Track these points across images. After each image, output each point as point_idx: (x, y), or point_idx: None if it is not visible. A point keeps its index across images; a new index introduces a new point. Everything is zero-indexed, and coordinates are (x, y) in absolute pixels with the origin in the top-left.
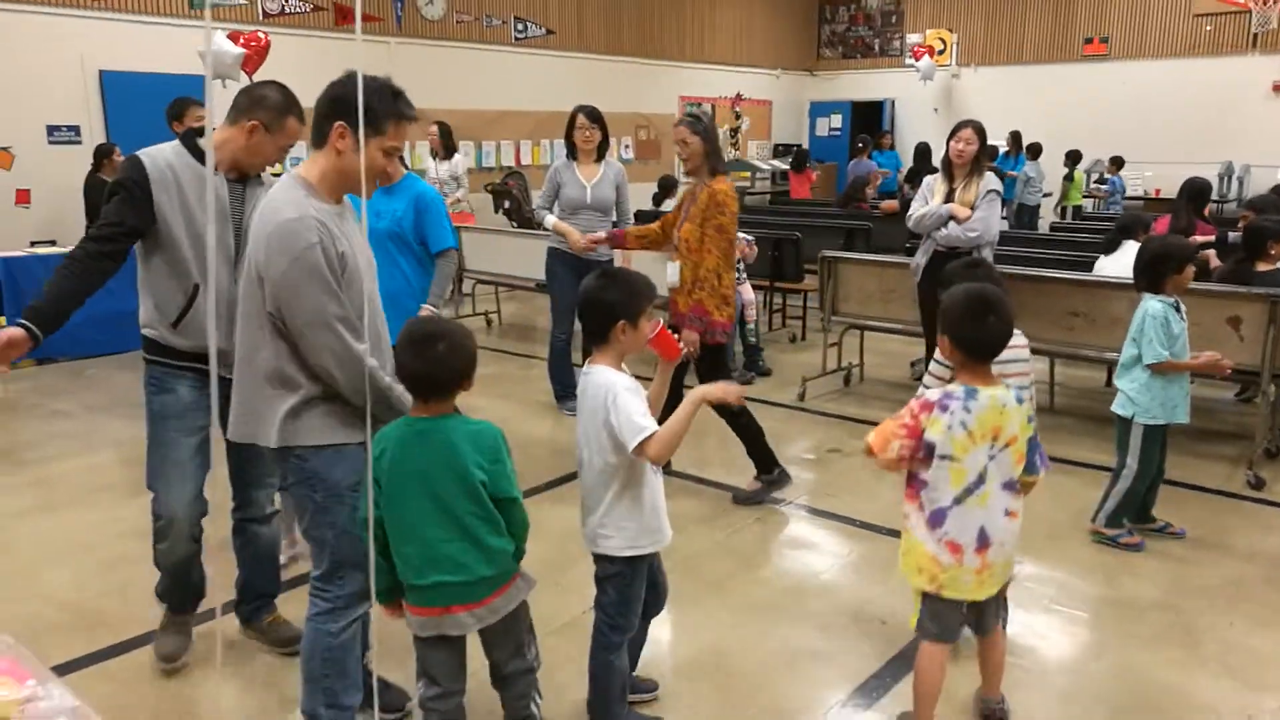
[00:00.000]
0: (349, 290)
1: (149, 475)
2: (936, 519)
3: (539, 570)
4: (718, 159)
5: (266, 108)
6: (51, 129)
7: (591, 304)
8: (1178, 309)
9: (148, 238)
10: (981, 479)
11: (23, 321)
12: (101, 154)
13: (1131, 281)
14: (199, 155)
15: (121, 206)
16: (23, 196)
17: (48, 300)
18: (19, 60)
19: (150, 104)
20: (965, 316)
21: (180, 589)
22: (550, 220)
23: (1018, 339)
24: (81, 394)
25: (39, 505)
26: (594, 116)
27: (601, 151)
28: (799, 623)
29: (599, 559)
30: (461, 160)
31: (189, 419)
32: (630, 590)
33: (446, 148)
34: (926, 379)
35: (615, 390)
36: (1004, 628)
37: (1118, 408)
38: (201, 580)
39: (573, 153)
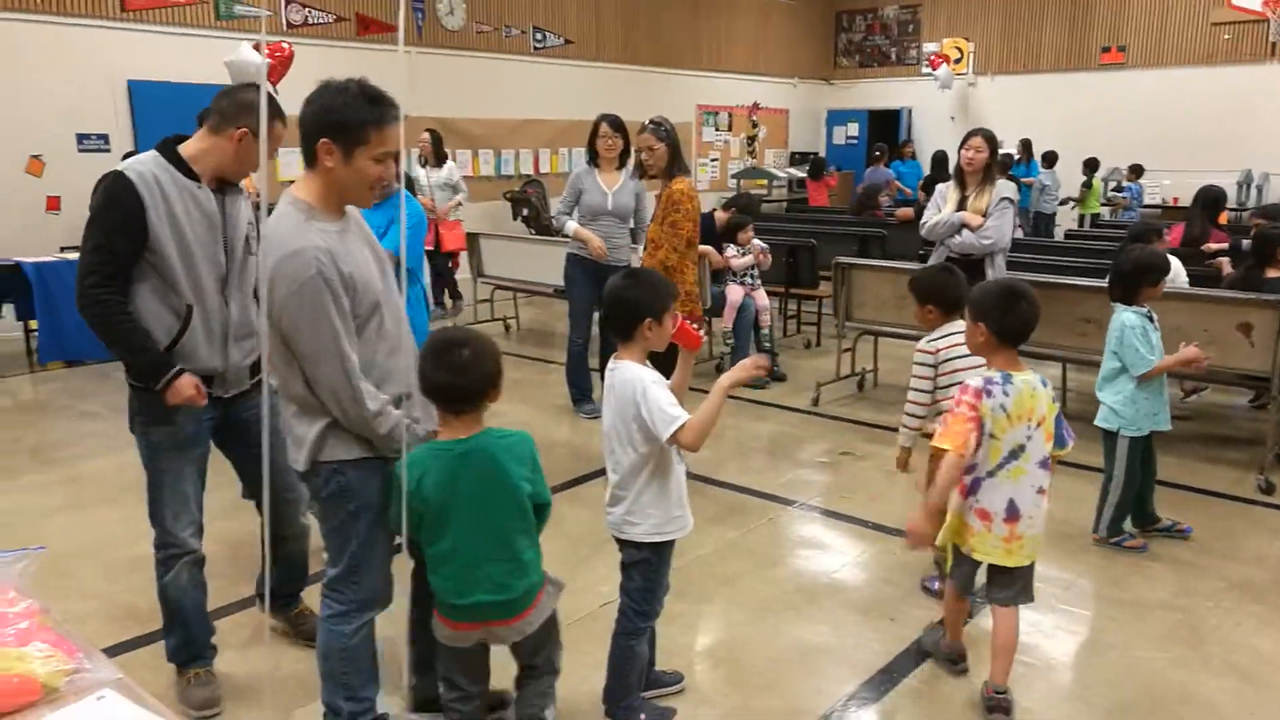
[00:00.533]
0: (359, 307)
1: (152, 508)
2: (971, 489)
3: (555, 569)
4: (679, 163)
5: (255, 114)
6: (81, 137)
7: (618, 302)
8: (1151, 319)
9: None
10: (1014, 455)
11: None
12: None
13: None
14: (180, 165)
15: (110, 232)
16: (53, 203)
17: (148, 351)
18: (50, 70)
19: (177, 113)
20: (1000, 304)
21: (194, 636)
22: (571, 226)
23: (926, 343)
24: (109, 396)
25: (69, 503)
26: (617, 125)
27: (623, 160)
28: (810, 620)
29: (624, 545)
30: (454, 168)
31: (190, 449)
32: (656, 576)
33: (438, 155)
34: (901, 435)
35: (644, 383)
36: (1017, 615)
37: (1101, 421)
38: (210, 624)
39: (594, 160)
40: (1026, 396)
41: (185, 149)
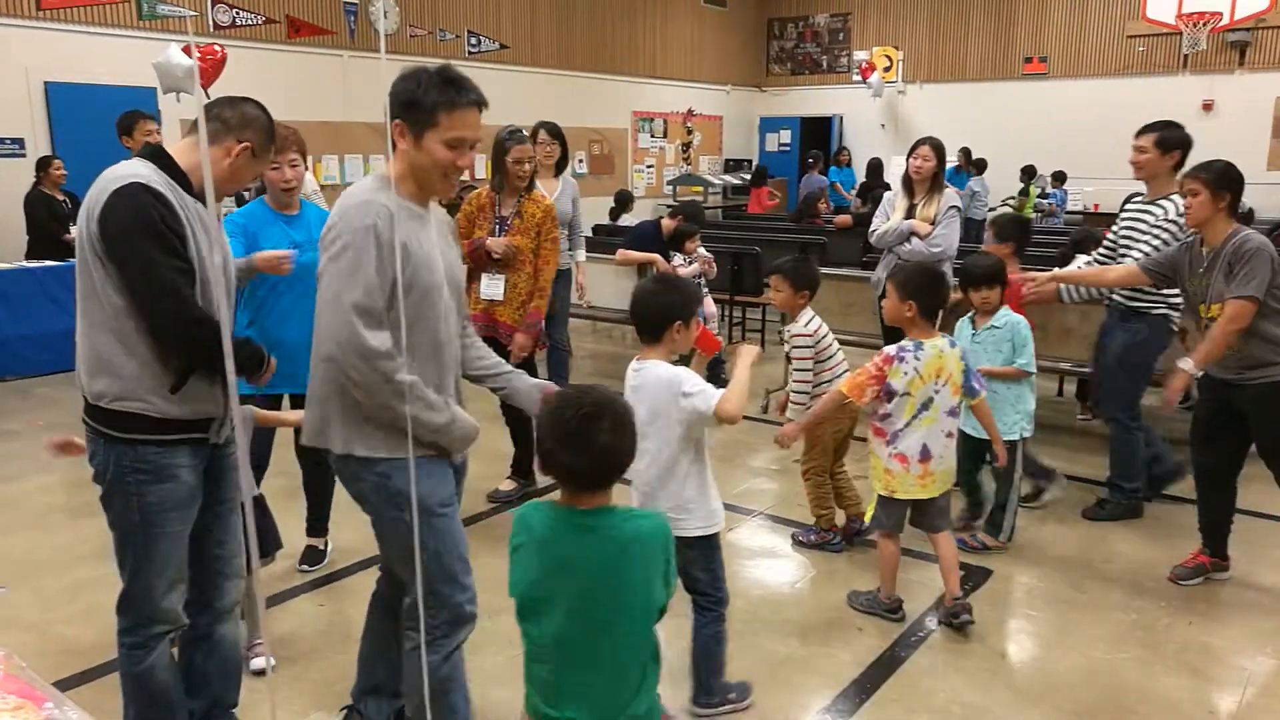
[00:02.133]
0: (412, 292)
1: (136, 583)
2: (892, 440)
3: None
4: (533, 177)
5: (258, 129)
6: None
7: (649, 306)
8: None
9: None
10: (924, 407)
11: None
12: (40, 166)
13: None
14: (177, 177)
15: (164, 248)
16: None
17: (243, 345)
18: None
19: (97, 117)
20: (929, 286)
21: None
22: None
23: (803, 327)
24: (31, 413)
25: None
26: (555, 132)
27: (560, 167)
28: (778, 632)
29: (677, 545)
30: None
31: (193, 506)
32: (716, 564)
33: None
34: (790, 410)
35: (681, 376)
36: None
37: (1016, 433)
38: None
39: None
40: (935, 358)
41: (180, 160)
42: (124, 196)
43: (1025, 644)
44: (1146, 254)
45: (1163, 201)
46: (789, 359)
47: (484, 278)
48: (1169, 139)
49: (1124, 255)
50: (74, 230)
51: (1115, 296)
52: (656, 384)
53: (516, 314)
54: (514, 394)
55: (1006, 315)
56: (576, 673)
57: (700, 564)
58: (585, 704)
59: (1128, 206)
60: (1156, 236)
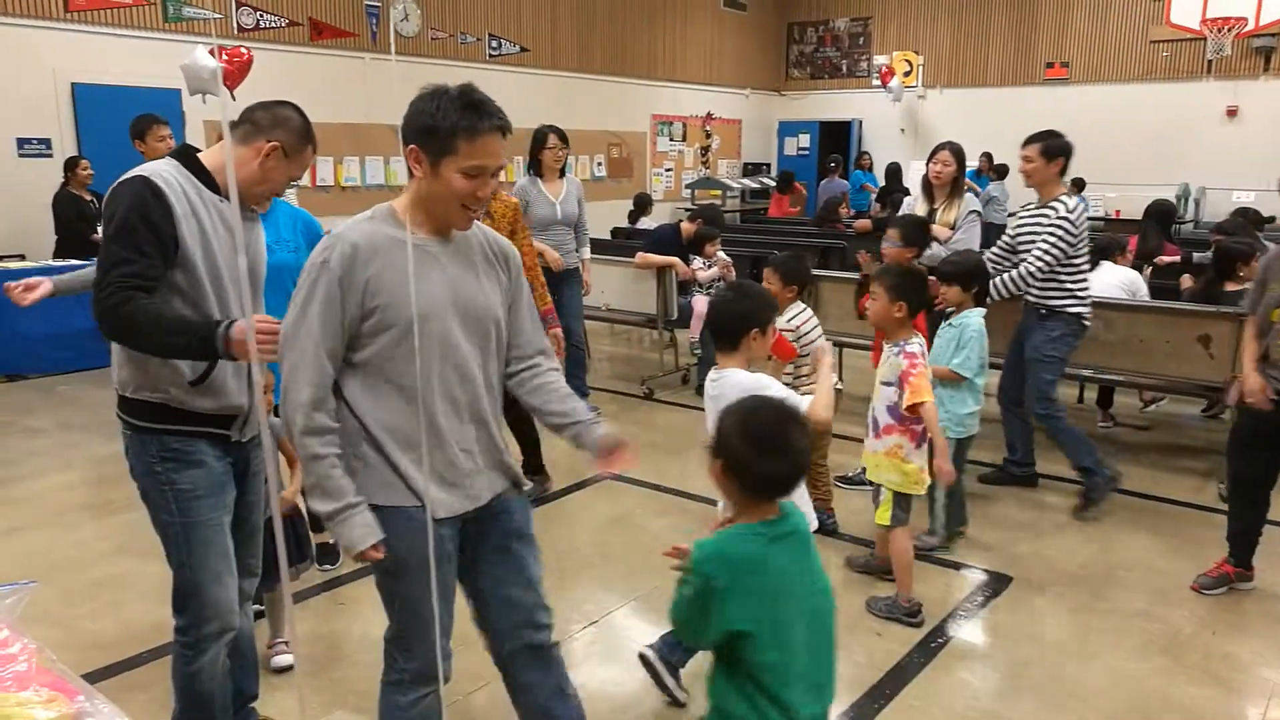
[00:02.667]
0: (383, 333)
1: (185, 577)
2: (919, 441)
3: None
4: None
5: (290, 129)
6: (21, 141)
7: (727, 314)
8: None
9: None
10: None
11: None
12: (68, 167)
13: (1107, 299)
14: (204, 177)
15: (139, 246)
16: None
17: (191, 323)
18: None
19: (123, 117)
20: (919, 290)
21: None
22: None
23: (787, 321)
24: (54, 411)
25: (18, 525)
26: (563, 136)
27: (563, 169)
28: None
29: None
30: None
31: (226, 491)
32: None
33: None
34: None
35: (765, 383)
36: None
37: (959, 432)
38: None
39: (537, 170)
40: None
41: (207, 160)
42: (121, 186)
43: (1046, 652)
44: (1045, 252)
45: (1053, 203)
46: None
47: None
48: (1052, 147)
49: (1022, 258)
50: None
51: (1030, 297)
52: (738, 391)
53: None
54: (579, 444)
55: (964, 316)
56: (825, 666)
57: None
58: (824, 692)
59: (1021, 214)
60: (1052, 233)
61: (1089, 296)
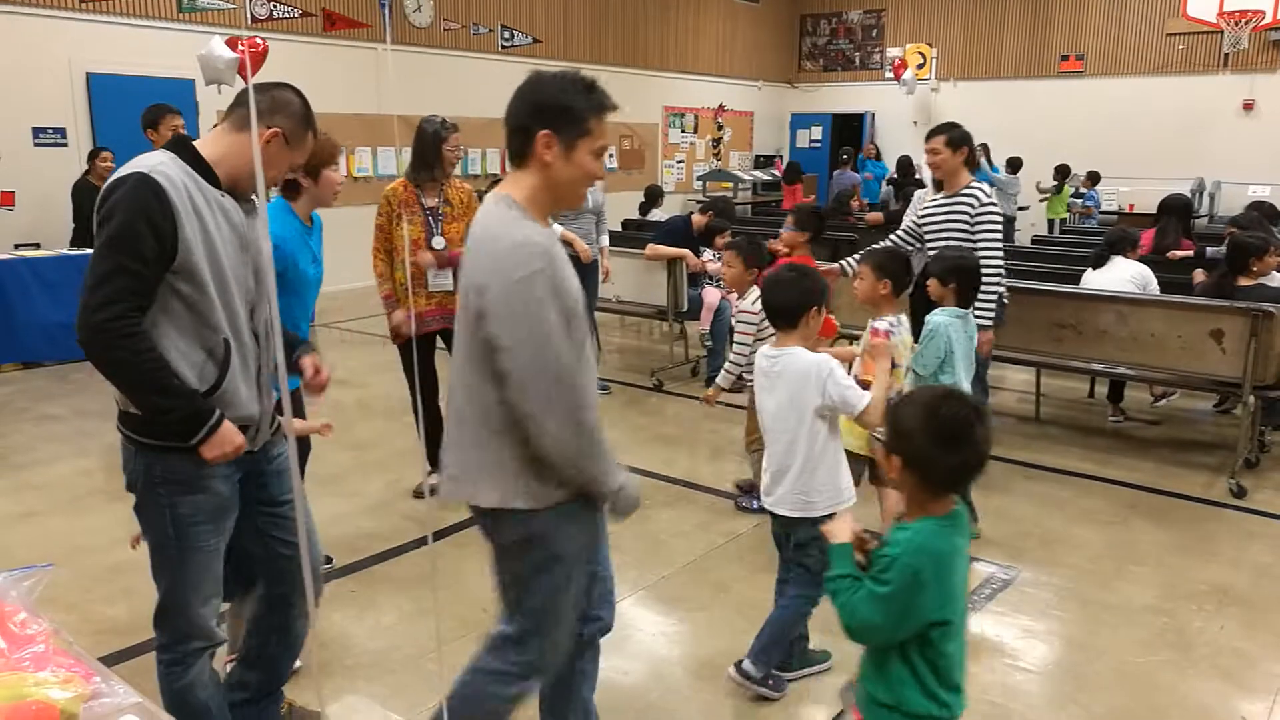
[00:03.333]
0: (575, 331)
1: (172, 597)
2: None
3: None
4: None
5: (291, 114)
6: (37, 131)
7: (789, 293)
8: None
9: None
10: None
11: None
12: (90, 157)
13: (1120, 294)
14: (204, 170)
15: (135, 251)
16: (7, 199)
17: (183, 396)
18: (5, 61)
19: (137, 107)
20: (897, 265)
21: None
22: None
23: (749, 304)
24: (70, 398)
25: (34, 510)
26: None
27: None
28: (810, 627)
29: (801, 523)
30: None
31: (227, 517)
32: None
33: None
34: (721, 378)
35: (830, 365)
36: None
37: None
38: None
39: None
40: (907, 330)
41: (206, 150)
42: (119, 184)
43: (1055, 645)
44: (991, 244)
45: (972, 191)
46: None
47: (429, 270)
48: (955, 138)
49: (930, 246)
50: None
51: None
52: (799, 370)
53: None
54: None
55: (935, 314)
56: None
57: (820, 543)
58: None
59: (929, 205)
60: (990, 224)
61: (1003, 274)
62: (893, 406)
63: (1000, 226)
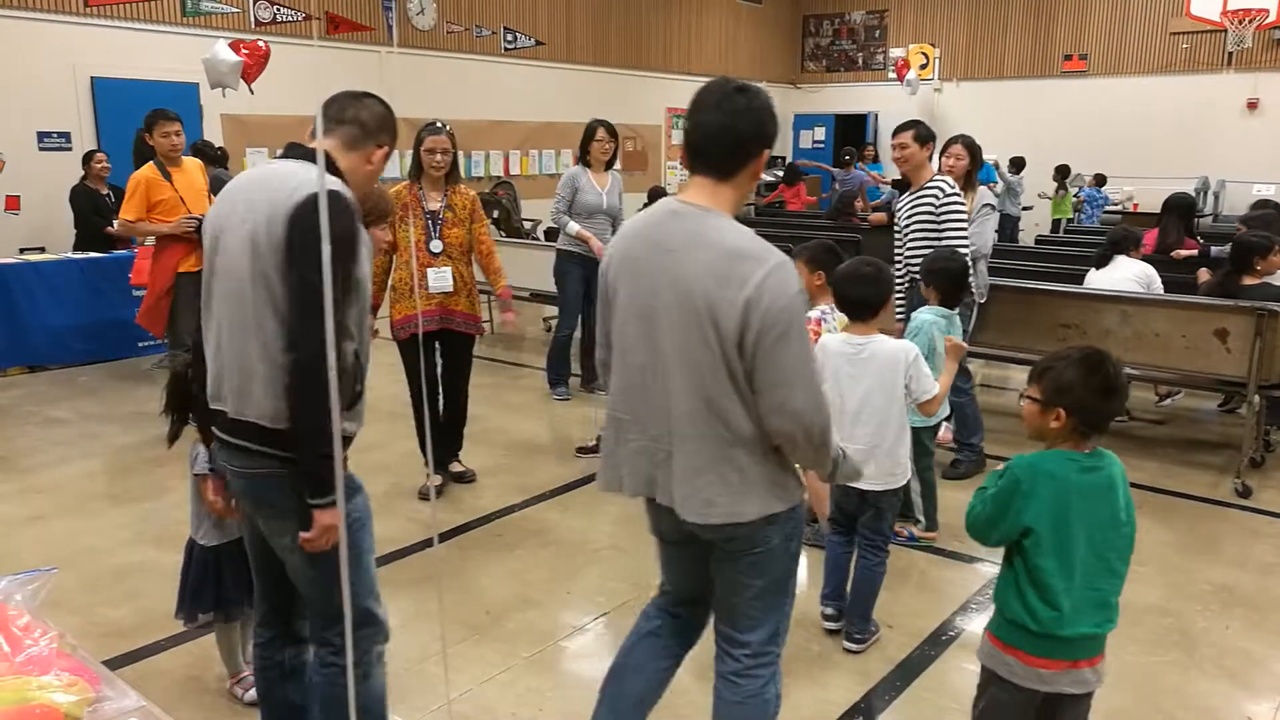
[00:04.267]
0: None
1: (359, 603)
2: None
3: (547, 579)
4: (456, 169)
5: (393, 129)
6: (42, 135)
7: (871, 289)
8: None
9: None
10: None
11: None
12: (85, 160)
13: (1124, 293)
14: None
15: (355, 271)
16: (12, 203)
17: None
18: (10, 66)
19: (141, 111)
20: (831, 258)
21: None
22: (574, 228)
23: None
24: (75, 401)
25: (39, 513)
26: (611, 130)
27: (610, 163)
28: (807, 628)
29: (886, 494)
30: None
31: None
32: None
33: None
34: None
35: (915, 352)
36: None
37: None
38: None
39: (585, 161)
40: (839, 321)
41: (342, 165)
42: (333, 204)
43: None
44: (960, 235)
45: (936, 184)
46: None
47: (430, 272)
48: (923, 134)
49: (906, 243)
50: (117, 223)
51: (913, 273)
52: (888, 356)
53: (468, 302)
54: None
55: (920, 312)
56: (1100, 591)
57: (895, 510)
58: (1097, 619)
59: (900, 202)
60: (955, 215)
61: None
62: (1048, 368)
63: (965, 219)
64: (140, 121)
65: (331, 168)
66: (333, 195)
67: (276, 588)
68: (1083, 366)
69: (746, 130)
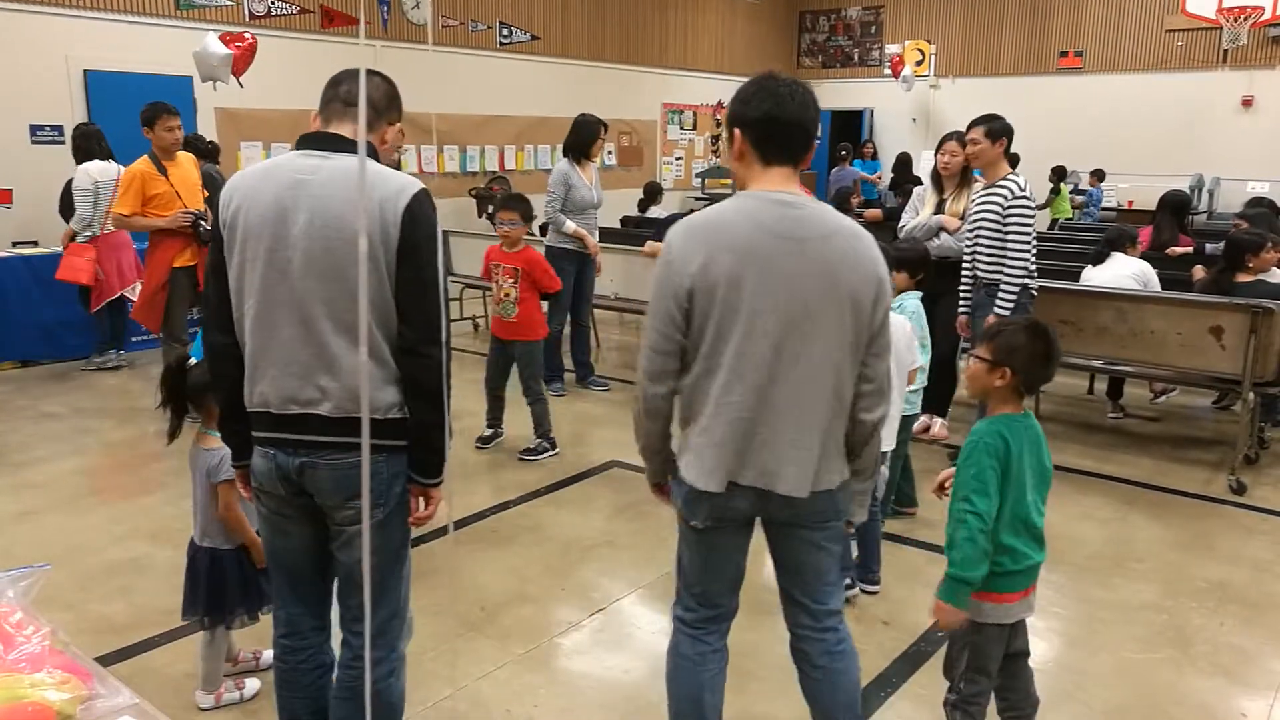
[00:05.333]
0: None
1: (405, 603)
2: None
3: (541, 574)
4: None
5: (400, 103)
6: (35, 128)
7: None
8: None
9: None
10: None
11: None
12: None
13: (1119, 290)
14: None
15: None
16: (5, 196)
17: None
18: (2, 58)
19: (135, 104)
20: None
21: None
22: (570, 226)
23: None
24: (68, 396)
25: (32, 508)
26: (606, 129)
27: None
28: None
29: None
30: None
31: None
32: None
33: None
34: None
35: (909, 325)
36: None
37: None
38: None
39: (578, 158)
40: None
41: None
42: (422, 205)
43: (1054, 642)
44: (1020, 239)
45: (1002, 184)
46: None
47: None
48: (995, 129)
49: (976, 241)
50: (112, 218)
51: (979, 272)
52: (900, 332)
53: None
54: None
55: (900, 298)
56: (1033, 524)
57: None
58: (1037, 547)
59: (976, 195)
60: (1020, 219)
61: (1034, 268)
62: (998, 332)
63: (1029, 223)
64: (135, 115)
65: (347, 145)
66: (426, 192)
67: (309, 590)
68: (1030, 332)
69: (815, 122)
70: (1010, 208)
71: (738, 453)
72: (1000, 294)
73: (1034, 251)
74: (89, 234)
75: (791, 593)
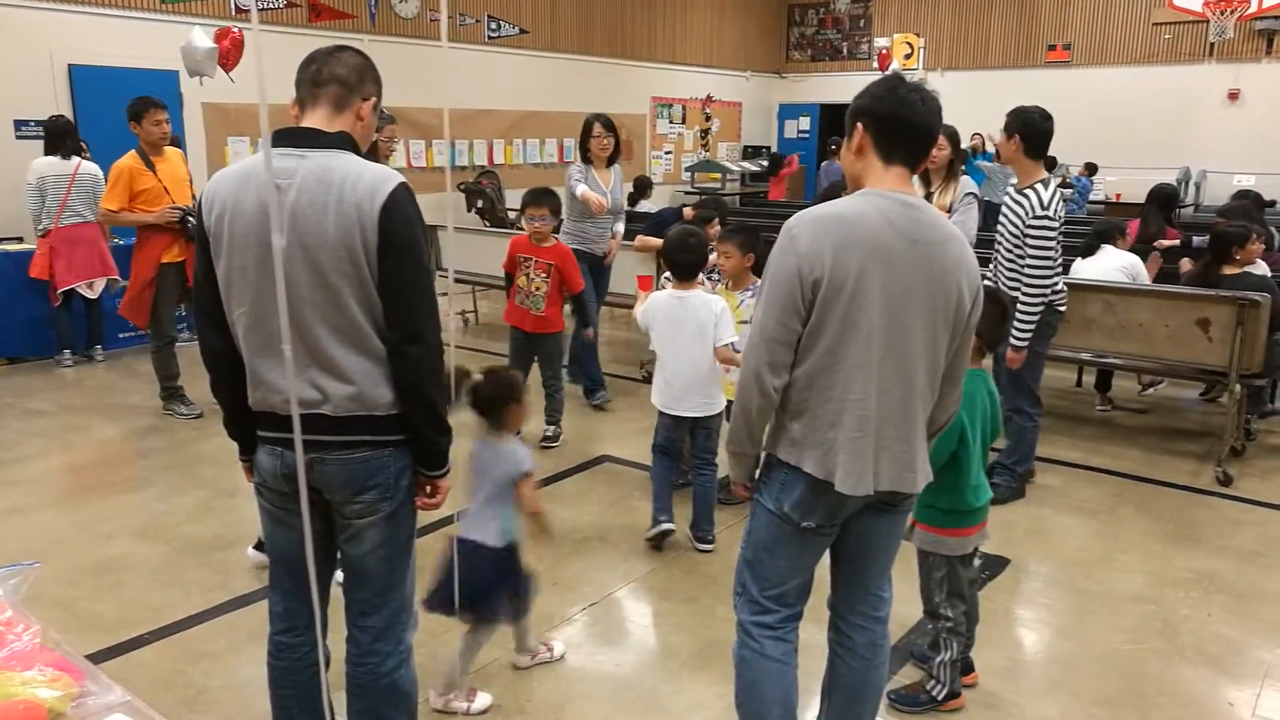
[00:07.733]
0: None
1: (413, 596)
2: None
3: (534, 570)
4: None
5: (376, 79)
6: (19, 124)
7: (694, 250)
8: None
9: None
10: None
11: None
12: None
13: (1107, 283)
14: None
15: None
16: None
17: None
18: None
19: (120, 99)
20: (757, 242)
21: None
22: (582, 189)
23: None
24: (55, 393)
25: (19, 506)
26: (608, 125)
27: (614, 159)
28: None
29: (707, 419)
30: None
31: None
32: (718, 434)
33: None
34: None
35: (722, 304)
36: None
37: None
38: None
39: (586, 159)
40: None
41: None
42: (404, 197)
43: (1043, 633)
44: (1040, 256)
45: (1028, 193)
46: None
47: None
48: (1009, 123)
49: (997, 246)
50: (100, 213)
51: (1001, 284)
52: (704, 308)
53: None
54: None
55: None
56: (984, 466)
57: (714, 433)
58: (987, 489)
59: (1005, 198)
60: (1042, 236)
61: (1059, 282)
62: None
63: (1050, 243)
64: (120, 110)
65: (323, 140)
66: (404, 186)
67: (310, 585)
68: (989, 300)
69: (939, 129)
70: (1030, 226)
71: (874, 453)
72: (1016, 318)
73: (1058, 271)
74: (42, 229)
75: (855, 578)
